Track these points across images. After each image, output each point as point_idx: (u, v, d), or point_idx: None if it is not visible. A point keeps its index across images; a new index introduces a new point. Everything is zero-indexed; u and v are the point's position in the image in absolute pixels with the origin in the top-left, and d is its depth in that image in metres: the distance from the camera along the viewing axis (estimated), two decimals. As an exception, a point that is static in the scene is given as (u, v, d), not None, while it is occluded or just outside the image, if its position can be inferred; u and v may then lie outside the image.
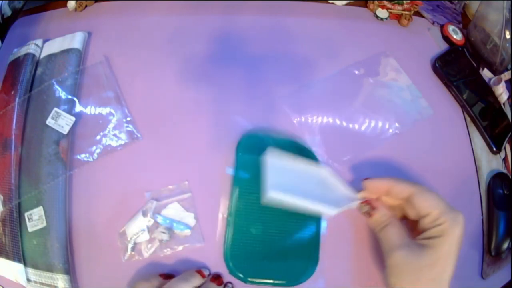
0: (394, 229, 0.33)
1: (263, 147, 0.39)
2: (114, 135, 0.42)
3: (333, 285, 0.38)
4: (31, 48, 0.45)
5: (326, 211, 0.34)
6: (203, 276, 0.36)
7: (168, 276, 0.36)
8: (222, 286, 0.36)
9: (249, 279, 0.37)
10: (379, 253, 0.38)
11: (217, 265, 0.38)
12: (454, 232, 0.31)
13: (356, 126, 0.46)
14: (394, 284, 0.32)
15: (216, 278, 0.36)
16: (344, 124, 0.46)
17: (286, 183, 0.35)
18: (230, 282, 0.37)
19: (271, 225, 0.38)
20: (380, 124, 0.46)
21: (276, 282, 0.37)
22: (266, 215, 0.38)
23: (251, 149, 0.41)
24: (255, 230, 0.38)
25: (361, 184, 0.37)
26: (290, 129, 0.44)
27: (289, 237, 0.38)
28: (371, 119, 0.46)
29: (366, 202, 0.36)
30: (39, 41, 0.47)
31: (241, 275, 0.37)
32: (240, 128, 0.44)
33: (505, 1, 0.48)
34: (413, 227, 0.35)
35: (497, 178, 0.45)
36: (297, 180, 0.36)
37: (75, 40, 0.46)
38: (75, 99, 0.43)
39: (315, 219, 0.39)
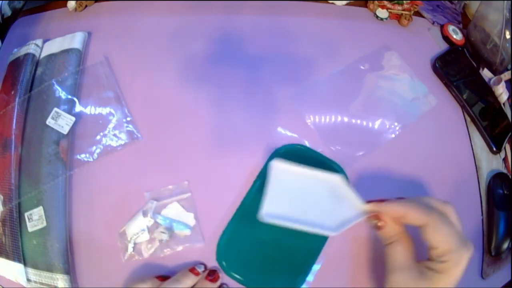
0: (400, 248, 0.33)
1: (298, 159, 0.38)
2: (114, 135, 0.42)
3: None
4: (31, 48, 0.45)
5: (326, 233, 0.34)
6: (196, 274, 0.35)
7: (164, 278, 0.35)
8: (217, 283, 0.36)
9: (232, 273, 0.37)
10: (374, 275, 0.38)
11: (217, 265, 0.38)
12: (455, 273, 0.31)
13: (359, 122, 0.46)
14: None
15: (210, 274, 0.36)
16: (346, 119, 0.46)
17: (287, 198, 0.35)
18: (225, 284, 0.37)
19: (274, 232, 0.37)
20: (387, 119, 0.46)
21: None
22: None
23: (286, 158, 0.39)
24: (256, 233, 0.38)
25: (375, 204, 0.35)
26: (294, 127, 0.44)
27: (288, 247, 0.38)
28: (376, 115, 0.46)
29: (375, 217, 0.34)
30: (39, 41, 0.47)
31: (224, 264, 0.37)
32: (242, 128, 0.44)
33: (505, 1, 0.48)
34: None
35: (497, 178, 0.45)
36: (303, 190, 0.36)
37: (75, 40, 0.46)
38: (75, 99, 0.43)
39: (321, 237, 0.37)
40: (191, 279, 0.35)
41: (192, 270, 0.36)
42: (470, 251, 0.31)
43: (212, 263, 0.38)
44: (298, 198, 0.35)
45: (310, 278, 0.37)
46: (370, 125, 0.46)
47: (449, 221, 0.32)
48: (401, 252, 0.33)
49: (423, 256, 0.33)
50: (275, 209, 0.34)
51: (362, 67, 0.49)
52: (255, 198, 0.39)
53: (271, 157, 0.42)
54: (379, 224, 0.34)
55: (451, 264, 0.31)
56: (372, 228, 0.35)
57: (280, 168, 0.36)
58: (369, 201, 0.35)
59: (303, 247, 0.37)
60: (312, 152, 0.43)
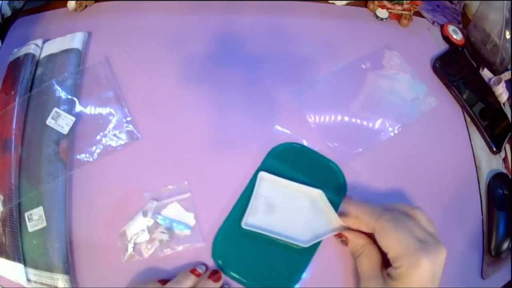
0: (365, 260, 0.35)
1: (296, 158, 0.42)
2: (114, 135, 0.42)
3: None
4: (31, 48, 0.45)
5: (298, 244, 0.37)
6: (197, 275, 0.35)
7: (166, 281, 0.35)
8: (219, 282, 0.36)
9: (228, 271, 0.37)
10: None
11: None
12: (411, 279, 0.29)
13: (359, 121, 0.46)
14: None
15: (213, 274, 0.36)
16: (347, 118, 0.46)
17: (268, 208, 0.39)
18: (226, 284, 0.37)
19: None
20: (387, 118, 0.46)
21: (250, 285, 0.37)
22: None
23: (283, 157, 0.42)
24: (252, 232, 0.37)
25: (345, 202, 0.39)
26: (294, 126, 0.44)
27: (283, 246, 0.38)
28: (377, 114, 0.46)
29: (338, 235, 0.37)
30: (39, 41, 0.46)
31: (220, 262, 0.37)
32: (242, 128, 0.44)
33: (505, 1, 0.48)
34: None
35: (497, 178, 0.45)
36: (285, 201, 0.39)
37: (75, 40, 0.46)
38: (75, 99, 0.43)
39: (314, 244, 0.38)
40: (191, 280, 0.35)
41: (193, 271, 0.36)
42: (434, 254, 0.30)
43: (213, 262, 0.38)
44: (279, 209, 0.39)
45: (305, 276, 0.37)
46: (371, 125, 0.46)
47: (403, 226, 0.32)
48: (366, 264, 0.34)
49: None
50: (255, 220, 0.38)
51: (363, 66, 0.49)
52: (250, 197, 0.39)
53: (267, 156, 0.42)
54: (343, 239, 0.37)
55: (404, 269, 0.30)
56: (341, 244, 0.38)
57: (266, 180, 0.40)
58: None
59: (299, 246, 0.37)
60: (308, 150, 0.43)
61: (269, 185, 0.40)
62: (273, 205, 0.39)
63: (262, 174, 0.40)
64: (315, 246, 0.38)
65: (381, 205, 0.36)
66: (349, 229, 0.37)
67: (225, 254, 0.37)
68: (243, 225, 0.37)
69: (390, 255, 0.32)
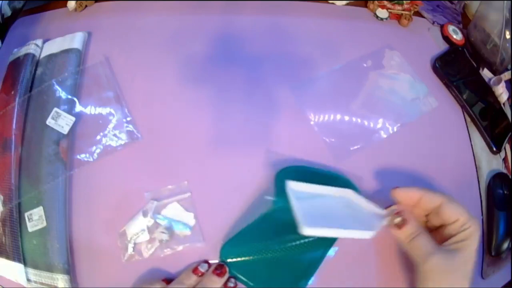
0: (425, 237, 0.35)
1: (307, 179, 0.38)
2: (114, 135, 0.42)
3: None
4: (31, 48, 0.45)
5: (362, 235, 0.35)
6: (200, 275, 0.35)
7: (171, 280, 0.35)
8: (224, 277, 0.35)
9: (233, 271, 0.36)
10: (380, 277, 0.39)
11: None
12: (477, 234, 0.35)
13: (359, 120, 0.46)
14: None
15: (218, 268, 0.36)
16: (347, 118, 0.46)
17: (315, 213, 0.35)
18: (232, 277, 0.36)
19: (283, 236, 0.37)
20: (387, 118, 0.46)
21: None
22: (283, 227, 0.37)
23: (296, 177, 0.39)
24: (263, 242, 0.37)
25: (390, 193, 0.37)
26: (295, 127, 0.44)
27: (290, 255, 0.37)
28: (377, 113, 0.46)
29: (398, 213, 0.36)
30: (39, 41, 0.47)
31: (225, 260, 0.37)
32: (241, 128, 0.44)
33: (505, 1, 0.48)
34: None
35: (497, 178, 0.45)
36: (324, 207, 0.37)
37: (75, 40, 0.46)
38: (75, 99, 0.43)
39: (323, 248, 0.38)
40: (194, 280, 0.35)
41: (195, 271, 0.36)
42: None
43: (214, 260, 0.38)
44: (323, 213, 0.36)
45: (312, 281, 0.37)
46: (372, 124, 0.46)
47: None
48: (427, 240, 0.35)
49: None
50: (311, 222, 0.33)
51: (364, 65, 0.49)
52: (271, 214, 0.38)
53: (278, 177, 0.40)
54: (402, 223, 0.35)
55: (474, 228, 0.34)
56: (393, 228, 0.36)
57: (296, 189, 0.37)
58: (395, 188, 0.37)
59: (307, 256, 0.37)
60: (315, 170, 0.42)
61: (301, 193, 0.37)
62: (315, 210, 0.36)
63: (290, 184, 0.37)
64: (324, 253, 0.38)
65: None
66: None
67: (233, 256, 0.37)
68: (304, 229, 0.32)
69: (461, 220, 0.34)
